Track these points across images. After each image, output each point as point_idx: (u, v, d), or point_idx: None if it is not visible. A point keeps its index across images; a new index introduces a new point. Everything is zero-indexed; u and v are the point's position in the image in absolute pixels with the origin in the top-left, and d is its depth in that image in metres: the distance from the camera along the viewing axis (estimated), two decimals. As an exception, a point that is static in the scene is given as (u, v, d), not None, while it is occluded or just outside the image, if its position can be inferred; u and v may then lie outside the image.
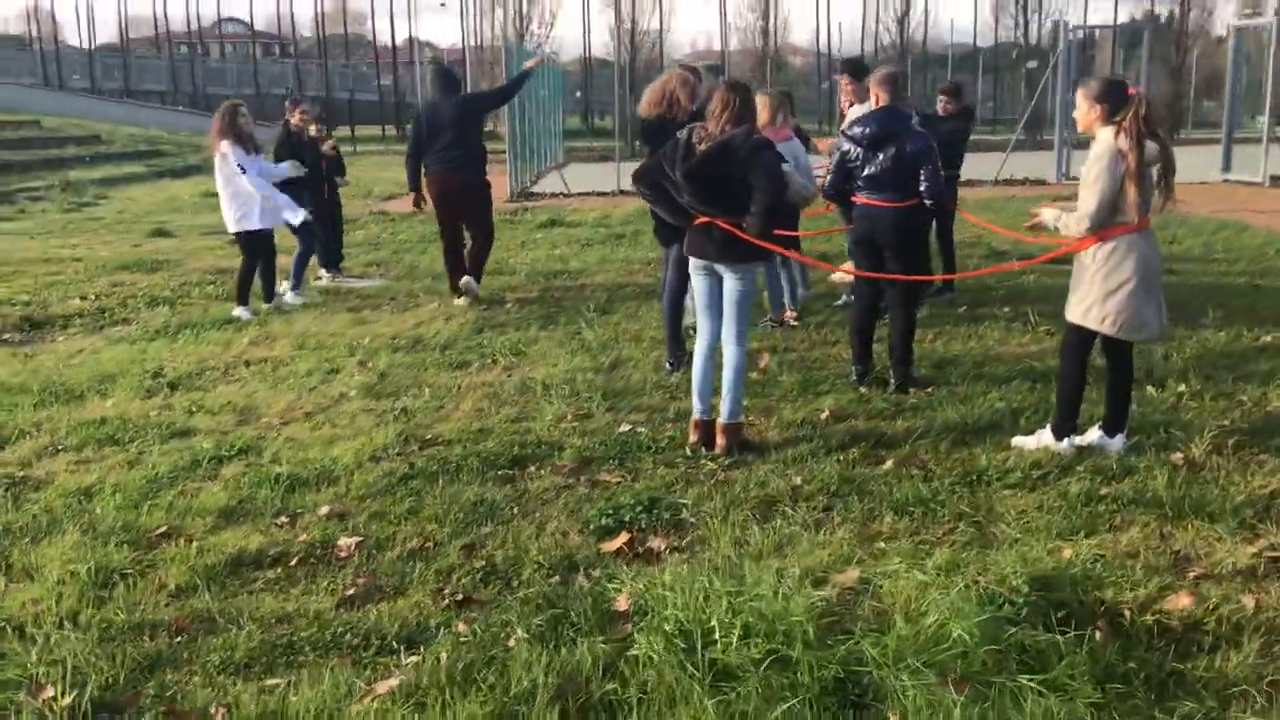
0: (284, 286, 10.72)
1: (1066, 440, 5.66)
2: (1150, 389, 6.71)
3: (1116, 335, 5.56)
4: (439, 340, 8.59)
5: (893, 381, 6.95)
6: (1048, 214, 5.67)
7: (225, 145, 9.81)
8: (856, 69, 9.68)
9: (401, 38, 58.81)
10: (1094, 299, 5.53)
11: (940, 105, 9.93)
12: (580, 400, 6.81)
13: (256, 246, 10.09)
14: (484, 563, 4.51)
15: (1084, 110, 5.50)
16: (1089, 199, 5.36)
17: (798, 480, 5.32)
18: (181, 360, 8.21)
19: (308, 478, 5.53)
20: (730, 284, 5.85)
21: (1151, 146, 5.33)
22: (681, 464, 5.66)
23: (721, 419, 5.85)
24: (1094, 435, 5.78)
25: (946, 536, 4.66)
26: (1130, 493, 5.04)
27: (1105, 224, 5.39)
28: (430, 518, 4.98)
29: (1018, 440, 5.80)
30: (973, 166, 13.58)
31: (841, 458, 5.66)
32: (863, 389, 6.91)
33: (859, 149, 6.89)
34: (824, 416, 6.37)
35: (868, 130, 6.82)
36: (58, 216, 19.20)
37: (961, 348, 7.98)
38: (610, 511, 4.92)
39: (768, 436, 6.08)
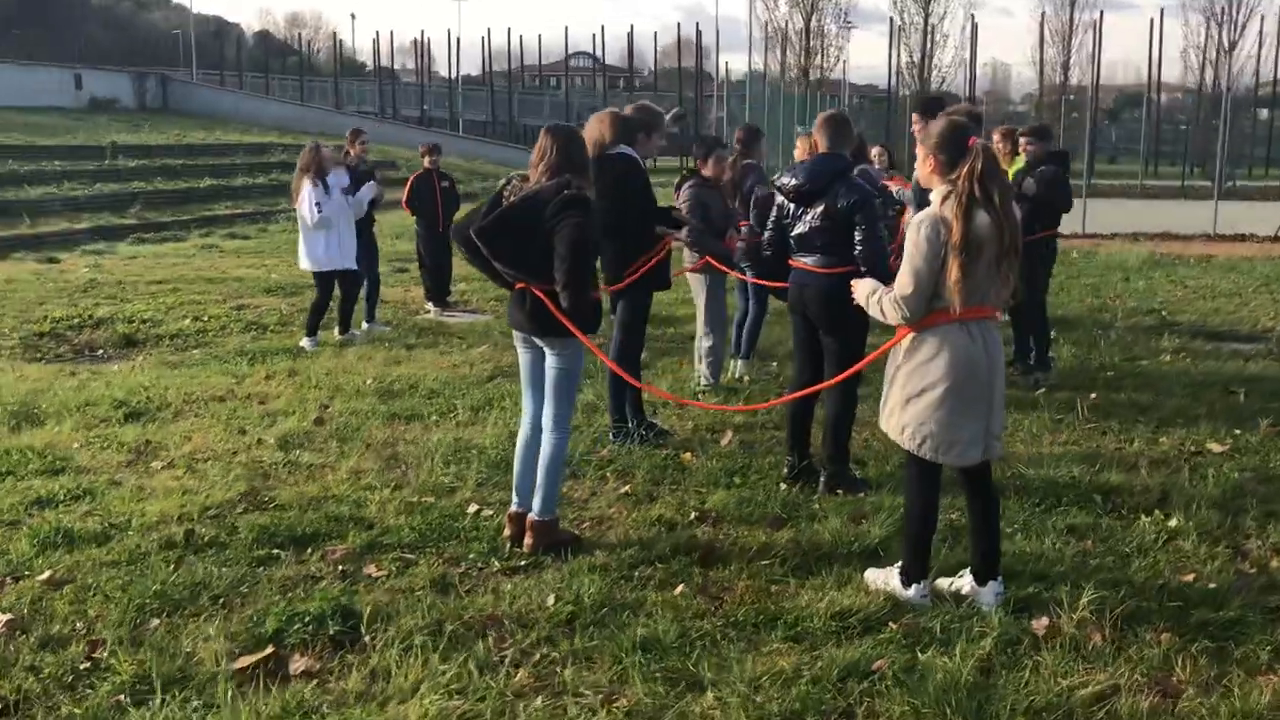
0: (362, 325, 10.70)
1: (915, 587, 4.48)
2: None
3: (919, 454, 4.36)
4: (426, 388, 8.17)
5: (821, 479, 5.87)
6: (861, 289, 4.53)
7: (305, 185, 9.88)
8: (927, 107, 8.45)
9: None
10: (894, 403, 4.39)
11: (1023, 149, 8.53)
12: (471, 469, 6.17)
13: (325, 284, 10.08)
14: (87, 664, 4.00)
15: (920, 159, 4.37)
16: (903, 276, 4.21)
17: (550, 600, 4.47)
18: (181, 389, 8.21)
19: (81, 534, 5.23)
20: (548, 360, 5.07)
21: (983, 218, 4.12)
22: (467, 563, 4.93)
23: (532, 514, 5.07)
24: (965, 581, 4.56)
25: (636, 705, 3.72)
26: (913, 676, 3.87)
27: (922, 311, 4.22)
28: (119, 601, 4.52)
29: (870, 574, 4.67)
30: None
31: (641, 573, 4.76)
32: (785, 485, 5.88)
33: (789, 203, 5.88)
34: (690, 518, 5.43)
35: (793, 181, 5.79)
36: (292, 235, 20.36)
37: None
38: (286, 616, 4.27)
39: (610, 534, 5.24)
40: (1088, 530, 5.26)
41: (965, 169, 4.14)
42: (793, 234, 5.83)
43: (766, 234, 6.11)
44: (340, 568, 4.88)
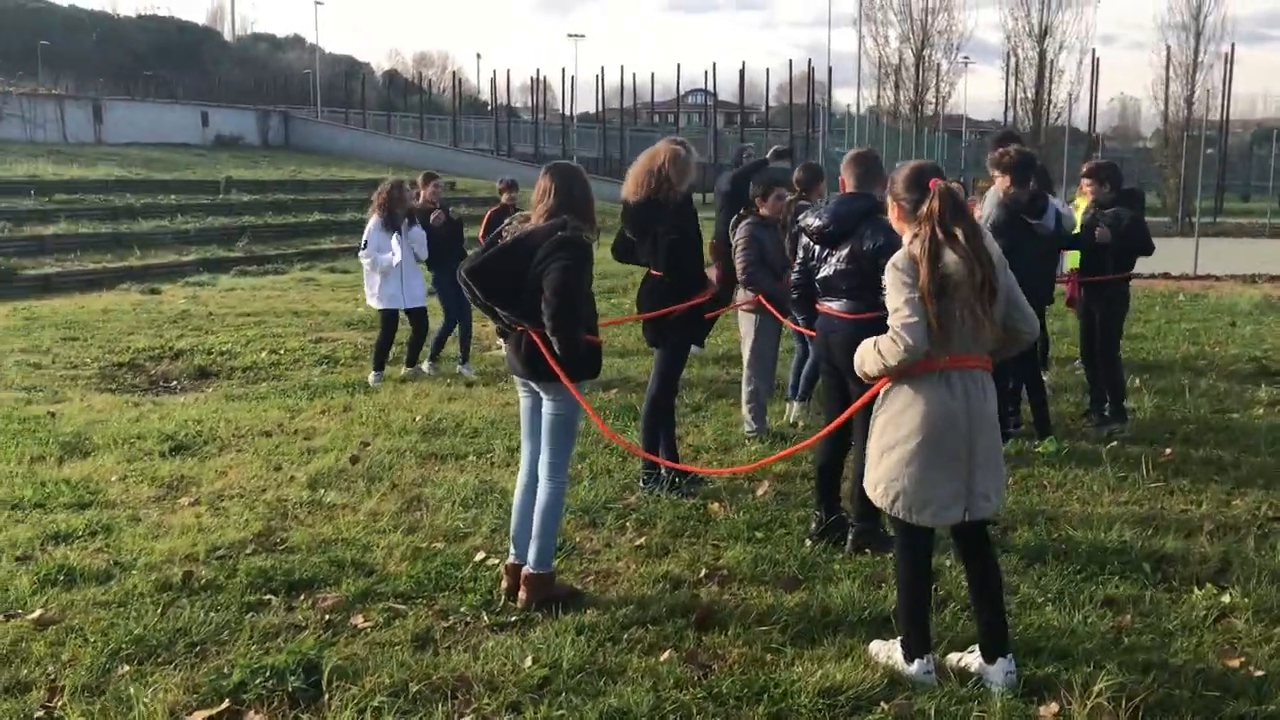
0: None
1: (918, 662, 4.13)
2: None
3: (892, 513, 4.06)
4: (470, 427, 8.05)
5: (849, 536, 5.55)
6: (859, 349, 4.22)
7: (371, 222, 9.92)
8: (999, 142, 8.08)
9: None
10: (871, 458, 4.08)
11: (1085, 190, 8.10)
12: (488, 513, 6.02)
13: (389, 321, 10.08)
14: (41, 714, 3.92)
15: (889, 206, 4.13)
16: (901, 309, 3.94)
17: (527, 661, 4.25)
18: (233, 422, 8.25)
19: (84, 572, 5.19)
20: (544, 405, 4.88)
21: (950, 258, 3.82)
22: (455, 616, 4.74)
23: (526, 567, 4.86)
24: (974, 658, 4.20)
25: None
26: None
27: (924, 344, 3.92)
28: (96, 645, 4.44)
29: (875, 646, 4.34)
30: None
31: (632, 635, 4.51)
32: (809, 543, 5.57)
33: (814, 245, 5.60)
34: (700, 575, 5.16)
35: (817, 222, 5.51)
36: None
37: (1013, 501, 6.26)
38: (252, 669, 4.13)
39: (613, 590, 5.01)
40: (1128, 603, 4.84)
41: (924, 210, 3.88)
42: (818, 277, 5.55)
43: (793, 276, 5.84)
44: (327, 617, 4.73)
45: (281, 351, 11.65)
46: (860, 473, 5.41)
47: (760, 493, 6.45)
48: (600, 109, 55.49)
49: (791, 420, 8.20)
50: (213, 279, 18.35)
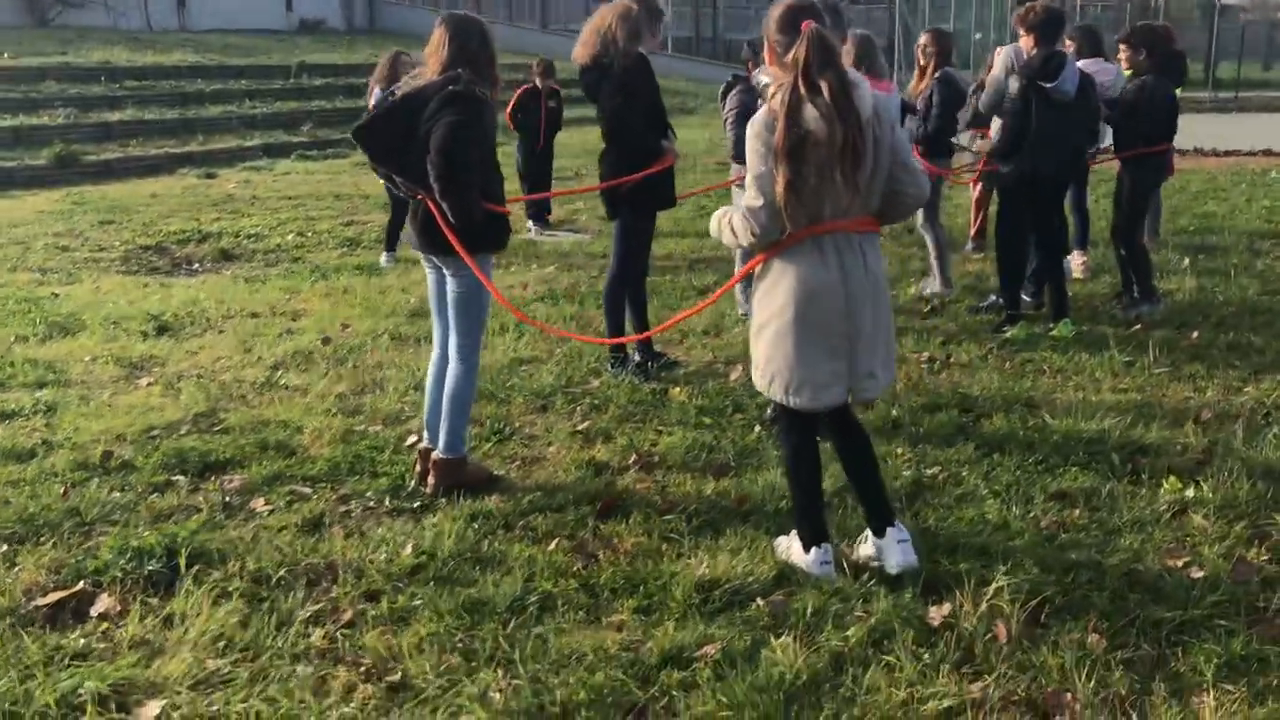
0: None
1: (815, 551, 3.80)
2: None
3: (770, 395, 3.70)
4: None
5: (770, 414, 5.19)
6: (713, 218, 3.85)
7: (374, 95, 9.64)
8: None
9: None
10: (751, 337, 3.71)
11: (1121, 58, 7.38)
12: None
13: (397, 201, 9.83)
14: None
15: (765, 48, 3.68)
16: (749, 187, 3.53)
17: (407, 550, 4.04)
18: (229, 303, 8.14)
19: (9, 450, 5.11)
20: (448, 282, 4.58)
21: (810, 114, 3.37)
22: (359, 501, 4.55)
23: (436, 451, 4.62)
24: (868, 544, 3.87)
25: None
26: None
27: (776, 226, 3.52)
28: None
29: (780, 540, 4.02)
30: None
31: (531, 522, 4.27)
32: (760, 427, 5.24)
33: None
34: (629, 461, 4.88)
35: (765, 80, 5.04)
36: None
37: (993, 382, 5.83)
38: (117, 550, 3.98)
39: (535, 476, 4.76)
40: (1081, 497, 4.41)
41: (789, 58, 3.42)
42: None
43: None
44: (228, 499, 4.57)
45: (309, 234, 11.50)
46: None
47: (733, 378, 6.09)
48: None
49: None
50: (271, 163, 18.28)
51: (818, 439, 3.91)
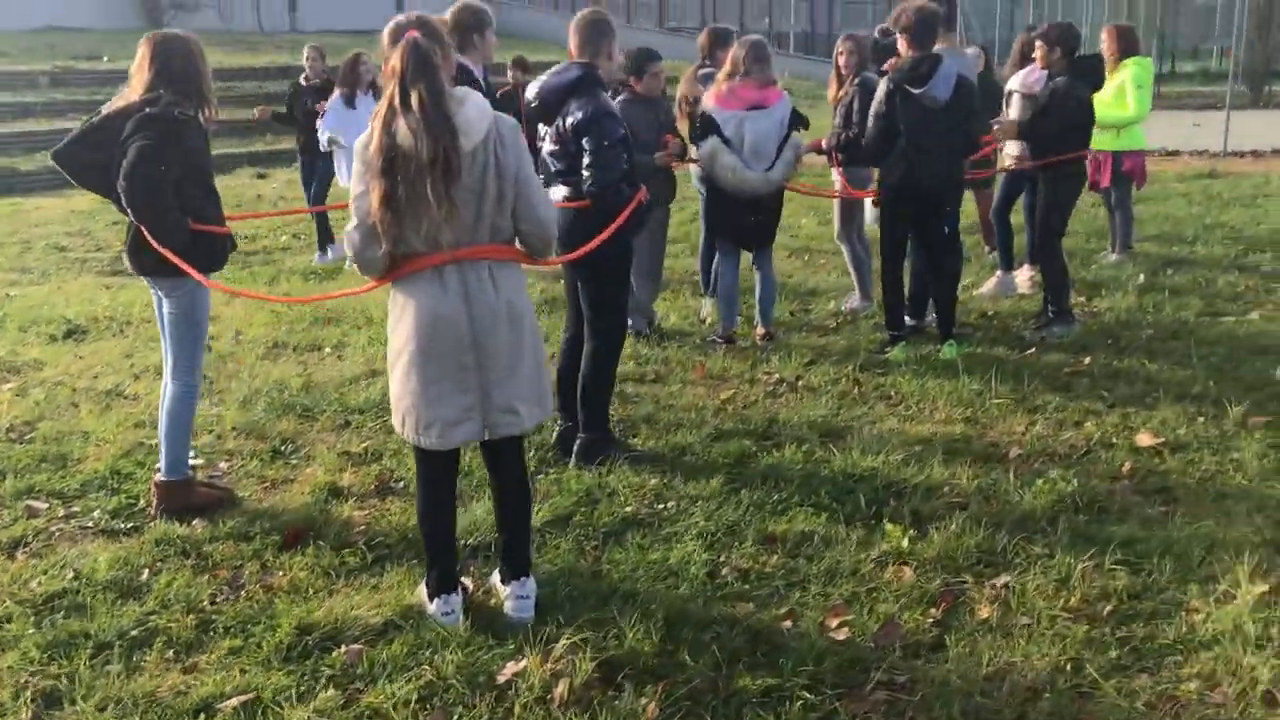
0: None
1: (437, 601, 3.65)
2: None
3: (403, 436, 3.59)
4: (365, 317, 7.79)
5: (575, 447, 5.02)
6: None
7: (331, 100, 9.77)
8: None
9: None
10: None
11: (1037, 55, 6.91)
12: (274, 413, 5.79)
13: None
14: None
15: None
16: (351, 208, 3.44)
17: (68, 573, 4.03)
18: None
19: None
20: (163, 303, 4.57)
21: (402, 127, 3.33)
22: (78, 520, 4.57)
23: (158, 474, 4.61)
24: (496, 581, 3.73)
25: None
26: None
27: (373, 251, 3.45)
28: None
29: (422, 584, 3.85)
30: None
31: (209, 549, 4.20)
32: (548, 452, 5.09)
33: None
34: (370, 488, 4.78)
35: (529, 95, 4.89)
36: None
37: (819, 409, 5.53)
38: None
39: (273, 498, 4.71)
40: (792, 541, 4.13)
41: (388, 68, 3.26)
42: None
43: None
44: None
45: (304, 236, 11.68)
46: (585, 378, 4.90)
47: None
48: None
49: (702, 317, 7.53)
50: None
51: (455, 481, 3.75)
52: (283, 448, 5.29)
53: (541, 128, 4.96)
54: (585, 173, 4.67)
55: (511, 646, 3.40)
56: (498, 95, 11.16)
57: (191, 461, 4.74)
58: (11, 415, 5.83)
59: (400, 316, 3.50)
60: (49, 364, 6.84)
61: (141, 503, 4.67)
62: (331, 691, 3.20)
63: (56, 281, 9.52)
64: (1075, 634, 3.47)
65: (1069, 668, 3.31)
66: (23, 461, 5.15)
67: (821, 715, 3.09)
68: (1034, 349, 6.53)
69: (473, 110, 3.37)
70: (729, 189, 6.54)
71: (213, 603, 3.80)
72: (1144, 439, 5.08)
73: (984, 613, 3.62)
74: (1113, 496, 4.47)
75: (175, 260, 4.31)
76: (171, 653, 3.50)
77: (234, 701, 3.16)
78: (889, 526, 4.16)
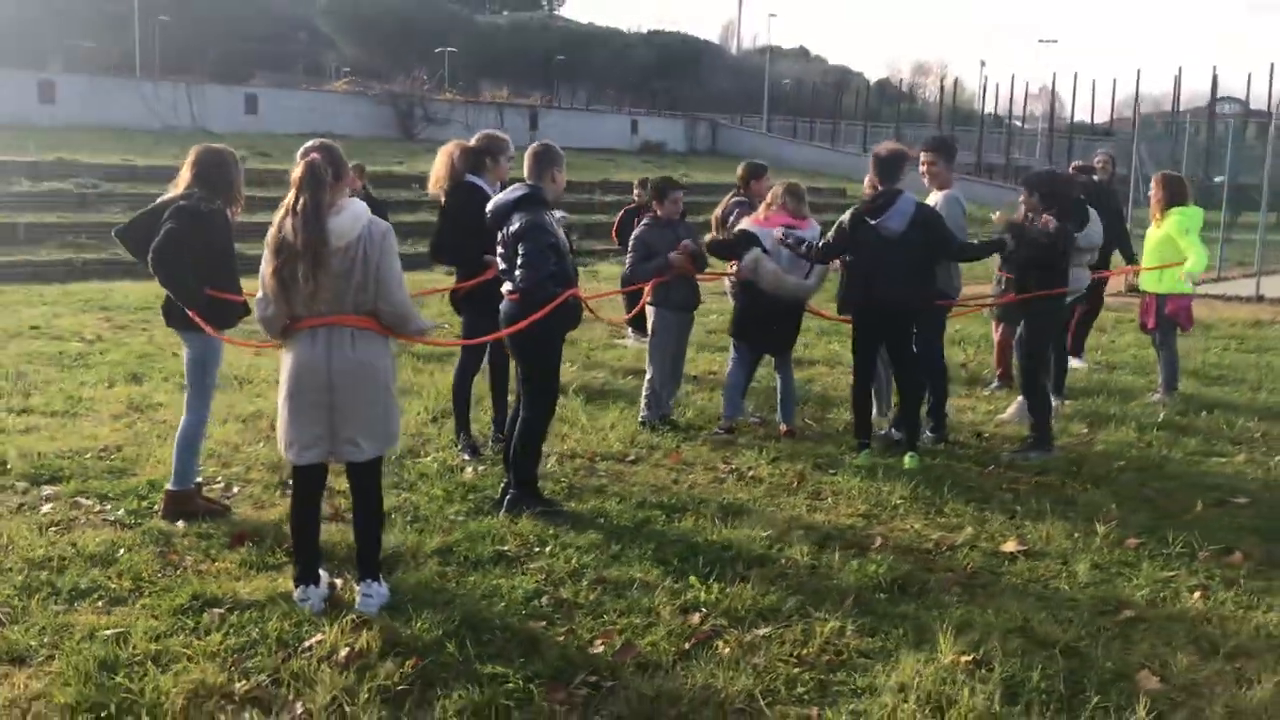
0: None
1: (299, 589, 4.69)
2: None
3: (281, 453, 4.74)
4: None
5: (505, 499, 5.98)
6: None
7: None
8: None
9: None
10: None
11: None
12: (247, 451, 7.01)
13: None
14: None
15: None
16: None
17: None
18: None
19: None
20: (185, 351, 5.86)
21: (289, 223, 4.47)
22: (100, 504, 5.87)
23: (168, 484, 5.85)
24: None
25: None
26: None
27: (270, 317, 4.65)
28: None
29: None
30: None
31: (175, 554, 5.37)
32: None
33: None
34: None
35: (488, 209, 6.01)
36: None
37: (727, 495, 6.27)
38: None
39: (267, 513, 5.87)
40: (615, 584, 4.94)
41: (292, 178, 4.42)
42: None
43: None
44: None
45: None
46: (518, 436, 5.87)
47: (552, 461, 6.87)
48: (1051, 114, 52.47)
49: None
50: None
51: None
52: (288, 480, 6.43)
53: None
54: (517, 272, 5.71)
55: (325, 623, 4.36)
56: (620, 216, 12.43)
57: (203, 480, 5.97)
58: (110, 439, 7.25)
59: (284, 363, 4.61)
60: (167, 406, 8.31)
61: (157, 507, 5.89)
62: (182, 636, 4.25)
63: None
64: (784, 673, 4.13)
65: (758, 693, 3.98)
66: (94, 472, 6.51)
67: (523, 697, 3.89)
68: (995, 468, 7.02)
69: (347, 218, 4.49)
70: (769, 291, 7.47)
71: (152, 576, 4.93)
72: (1008, 545, 5.58)
73: (725, 651, 4.32)
74: (924, 584, 5.04)
75: (193, 317, 5.57)
76: (101, 602, 4.64)
77: (109, 632, 4.25)
78: (692, 579, 4.90)
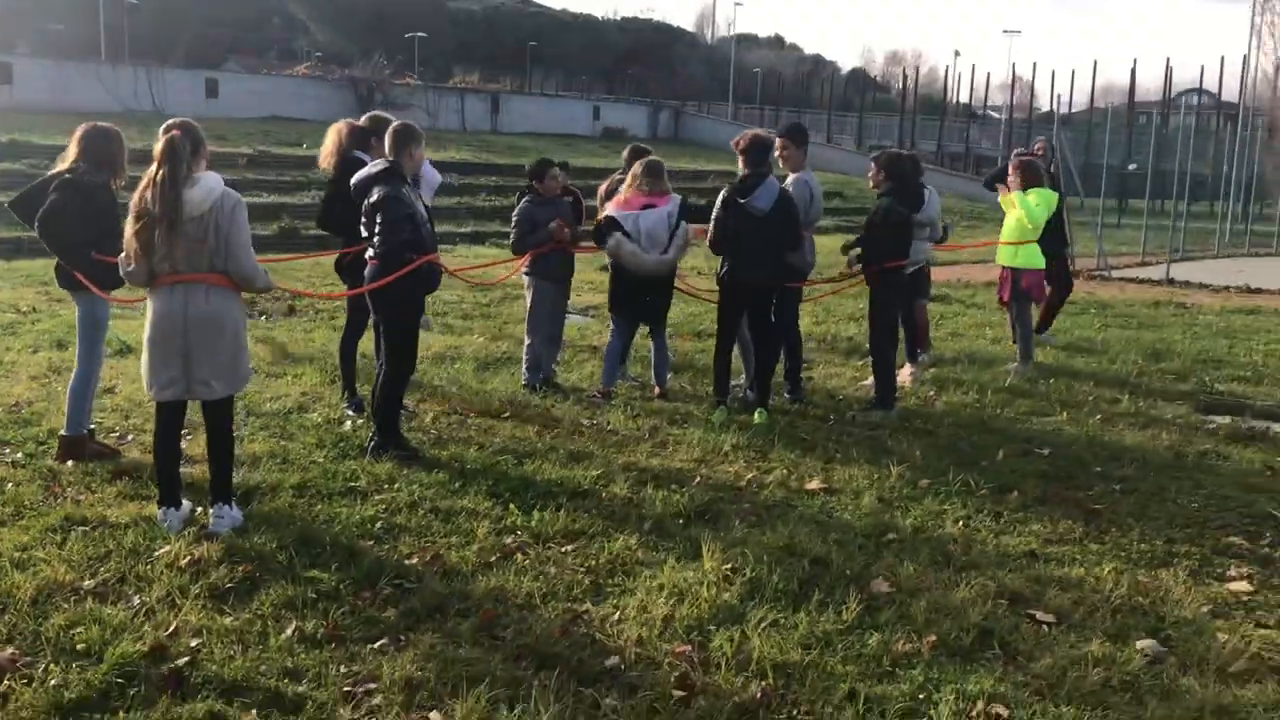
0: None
1: (160, 511, 5.35)
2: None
3: (146, 390, 5.37)
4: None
5: (369, 445, 6.63)
6: None
7: None
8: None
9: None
10: None
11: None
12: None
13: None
14: None
15: None
16: None
17: None
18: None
19: None
20: (77, 309, 6.48)
21: (147, 193, 5.13)
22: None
23: (62, 430, 6.47)
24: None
25: None
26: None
27: (134, 271, 5.25)
28: None
29: (179, 505, 5.53)
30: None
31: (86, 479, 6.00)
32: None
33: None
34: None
35: (352, 182, 6.65)
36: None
37: (574, 447, 6.94)
38: None
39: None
40: (445, 513, 5.59)
41: (155, 151, 5.09)
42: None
43: None
44: (-63, 445, 6.63)
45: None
46: (379, 387, 6.51)
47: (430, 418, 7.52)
48: (1010, 104, 53.34)
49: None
50: (452, 248, 21.08)
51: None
52: (182, 430, 7.07)
53: None
54: (375, 239, 6.36)
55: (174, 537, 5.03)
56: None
57: (104, 428, 6.60)
58: (24, 396, 7.86)
59: (147, 312, 5.25)
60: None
61: (54, 451, 6.51)
62: (48, 549, 4.90)
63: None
64: (569, 579, 4.80)
65: (538, 592, 4.66)
66: (2, 422, 7.12)
67: (334, 594, 4.55)
68: (834, 422, 7.71)
69: (200, 190, 5.12)
70: (630, 269, 8.12)
71: (35, 504, 5.57)
72: (812, 484, 6.27)
73: (523, 562, 4.99)
74: (721, 513, 5.72)
75: (80, 279, 6.20)
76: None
77: (-20, 544, 4.91)
78: (512, 507, 5.58)
